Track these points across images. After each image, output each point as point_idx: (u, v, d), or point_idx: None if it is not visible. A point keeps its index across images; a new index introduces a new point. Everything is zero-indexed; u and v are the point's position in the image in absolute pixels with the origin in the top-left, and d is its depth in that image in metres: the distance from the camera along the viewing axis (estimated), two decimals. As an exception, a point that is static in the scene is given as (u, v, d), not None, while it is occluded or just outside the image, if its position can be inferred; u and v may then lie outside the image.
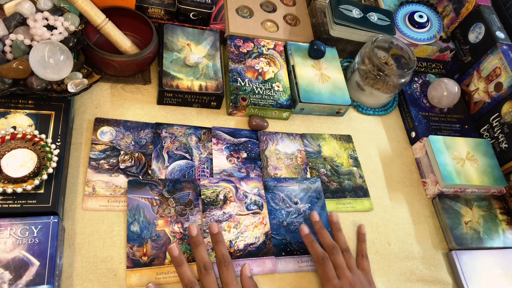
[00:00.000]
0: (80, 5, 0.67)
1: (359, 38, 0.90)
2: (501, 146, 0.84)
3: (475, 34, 0.94)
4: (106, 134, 0.69)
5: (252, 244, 0.65)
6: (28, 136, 0.58)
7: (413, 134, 0.87)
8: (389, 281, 0.69)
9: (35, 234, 0.53)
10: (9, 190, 0.53)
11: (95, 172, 0.64)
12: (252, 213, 0.68)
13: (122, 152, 0.67)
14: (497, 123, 0.86)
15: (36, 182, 0.55)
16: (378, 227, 0.74)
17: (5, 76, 0.59)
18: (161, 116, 0.74)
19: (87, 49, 0.68)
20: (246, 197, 0.69)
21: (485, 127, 0.89)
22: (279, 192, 0.71)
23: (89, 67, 0.68)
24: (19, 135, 0.58)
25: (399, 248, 0.73)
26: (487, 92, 0.89)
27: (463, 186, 0.78)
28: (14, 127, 0.59)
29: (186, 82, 0.74)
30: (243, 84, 0.79)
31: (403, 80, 0.83)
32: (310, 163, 0.77)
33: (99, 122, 0.69)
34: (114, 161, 0.66)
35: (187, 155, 0.71)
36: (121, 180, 0.65)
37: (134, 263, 0.59)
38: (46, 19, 0.64)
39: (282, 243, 0.66)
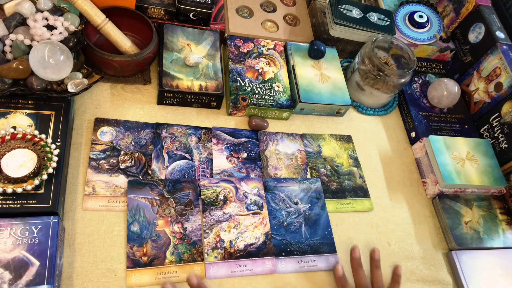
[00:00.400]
0: (80, 5, 0.67)
1: (359, 38, 0.90)
2: (501, 146, 0.84)
3: (475, 34, 0.94)
4: (106, 134, 0.69)
5: (252, 244, 0.65)
6: (28, 136, 0.58)
7: (413, 134, 0.87)
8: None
9: (35, 234, 0.53)
10: (9, 190, 0.53)
11: (95, 172, 0.64)
12: (252, 214, 0.68)
13: (122, 152, 0.67)
14: (497, 123, 0.86)
15: (36, 182, 0.55)
16: (378, 227, 0.74)
17: (5, 76, 0.59)
18: (161, 116, 0.74)
19: (87, 49, 0.68)
20: (246, 197, 0.69)
21: (485, 127, 0.89)
22: (279, 192, 0.71)
23: (89, 67, 0.68)
24: (19, 135, 0.58)
25: (399, 248, 0.73)
26: (487, 92, 0.89)
27: (463, 186, 0.78)
28: (14, 127, 0.59)
29: (186, 82, 0.74)
30: (243, 84, 0.79)
31: (403, 80, 0.83)
32: (310, 163, 0.77)
33: (99, 122, 0.69)
34: (114, 161, 0.66)
35: (187, 155, 0.71)
36: (121, 180, 0.65)
37: (134, 263, 0.59)
38: (46, 19, 0.64)
39: (282, 243, 0.66)
